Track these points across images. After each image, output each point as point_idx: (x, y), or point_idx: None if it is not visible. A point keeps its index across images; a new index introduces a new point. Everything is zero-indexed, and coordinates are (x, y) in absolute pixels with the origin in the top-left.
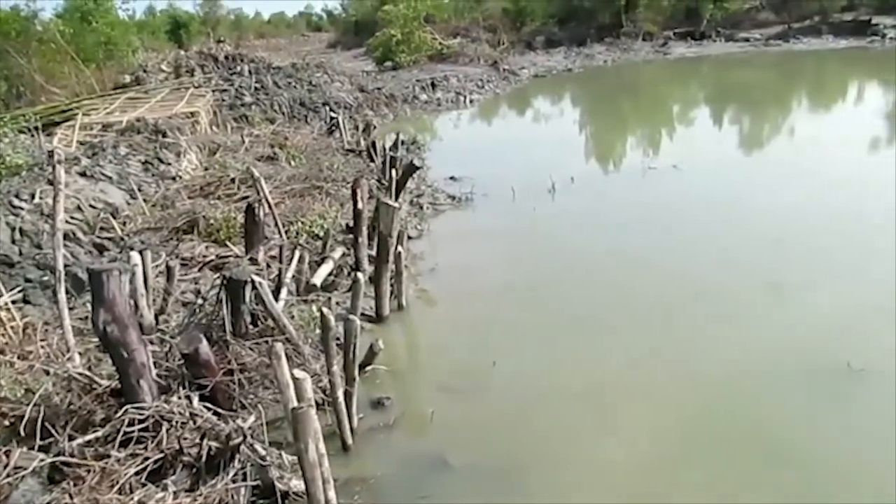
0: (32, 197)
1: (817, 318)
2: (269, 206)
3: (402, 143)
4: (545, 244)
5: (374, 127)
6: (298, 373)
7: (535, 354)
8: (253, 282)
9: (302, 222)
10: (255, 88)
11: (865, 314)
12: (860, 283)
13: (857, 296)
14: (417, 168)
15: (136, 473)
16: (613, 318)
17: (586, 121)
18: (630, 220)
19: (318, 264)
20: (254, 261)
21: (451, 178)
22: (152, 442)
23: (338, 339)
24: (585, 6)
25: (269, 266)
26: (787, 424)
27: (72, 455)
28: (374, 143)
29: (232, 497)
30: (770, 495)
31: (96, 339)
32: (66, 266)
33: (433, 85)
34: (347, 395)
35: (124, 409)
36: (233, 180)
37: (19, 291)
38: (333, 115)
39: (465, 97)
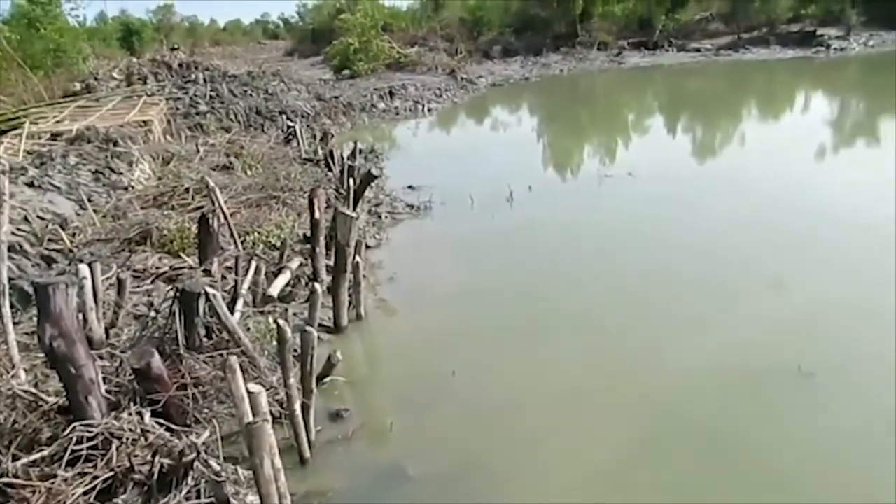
0: None
1: (769, 321)
2: (225, 217)
3: (360, 151)
4: (504, 252)
5: (332, 136)
6: (253, 386)
7: (495, 363)
8: (207, 294)
9: (258, 232)
10: (211, 97)
11: (816, 318)
12: (812, 286)
13: (808, 299)
14: (375, 177)
15: (85, 493)
16: (571, 325)
17: (544, 129)
18: (586, 227)
19: (275, 275)
20: (208, 272)
21: (410, 186)
22: (102, 460)
23: (295, 350)
24: (541, 16)
25: (224, 277)
26: (738, 426)
27: (16, 476)
28: (331, 152)
29: None
30: (722, 495)
31: (42, 355)
32: (11, 279)
33: (391, 94)
34: (305, 408)
35: (72, 426)
36: (187, 190)
37: None
38: (290, 123)
39: (423, 106)
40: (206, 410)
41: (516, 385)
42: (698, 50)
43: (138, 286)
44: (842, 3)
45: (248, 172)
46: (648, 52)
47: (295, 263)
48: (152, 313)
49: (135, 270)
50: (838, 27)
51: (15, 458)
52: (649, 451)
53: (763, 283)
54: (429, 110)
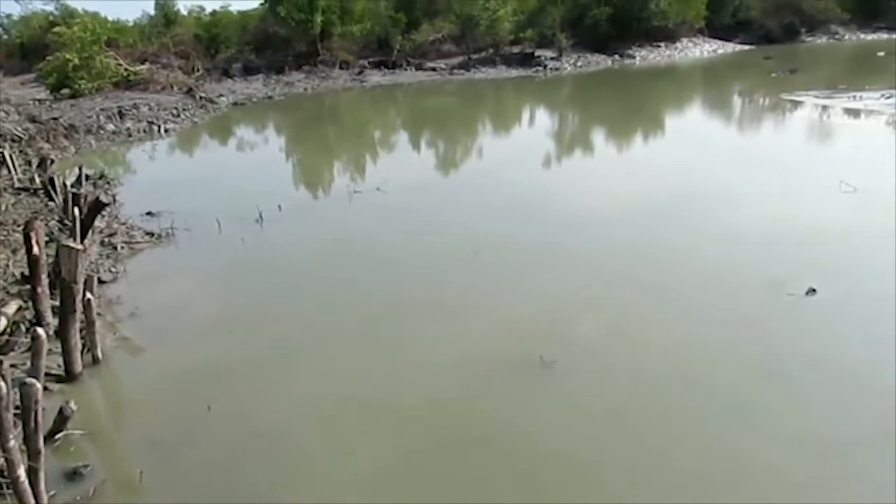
0: None
1: (510, 318)
2: None
3: (87, 178)
4: (255, 276)
5: (52, 161)
6: None
7: (253, 391)
8: None
9: None
10: None
11: (552, 313)
12: (549, 285)
13: (545, 296)
14: (105, 205)
15: None
16: (330, 342)
17: (292, 148)
18: (337, 244)
19: None
20: None
21: (149, 213)
22: None
23: (16, 407)
24: (281, 34)
25: None
26: (491, 416)
27: None
28: (52, 180)
29: None
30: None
31: None
32: None
33: (121, 114)
34: (32, 472)
35: None
36: None
37: None
38: None
39: (159, 127)
40: None
41: (278, 409)
42: (434, 69)
43: None
44: (553, 28)
45: None
46: (389, 71)
47: (12, 308)
48: None
49: None
50: (552, 49)
51: None
52: (432, 457)
53: (506, 284)
54: (166, 131)
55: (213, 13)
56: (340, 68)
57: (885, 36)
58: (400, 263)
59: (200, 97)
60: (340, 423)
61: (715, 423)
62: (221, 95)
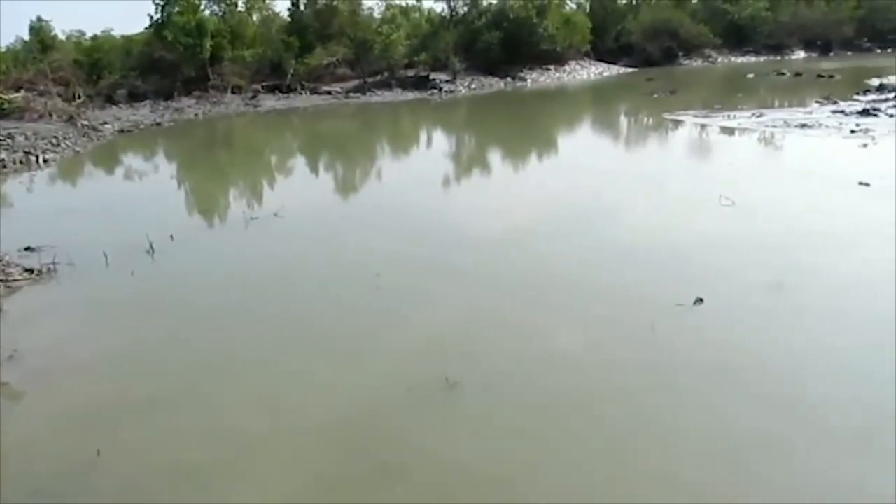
0: None
1: (414, 340)
2: None
3: None
4: (146, 310)
5: None
6: None
7: (146, 432)
8: None
9: None
10: None
11: (455, 334)
12: (451, 305)
13: (448, 317)
14: None
15: None
16: (230, 374)
17: (185, 175)
18: (234, 271)
19: None
20: None
21: (28, 248)
22: None
23: None
24: (168, 59)
25: None
26: (398, 439)
27: None
28: None
29: None
30: None
31: None
32: None
33: None
34: None
35: None
36: None
37: None
38: None
39: (37, 157)
40: None
41: (175, 448)
42: (330, 93)
43: None
44: (447, 52)
45: None
46: (283, 96)
47: None
48: None
49: None
50: (447, 73)
51: None
52: (325, 488)
53: (409, 305)
54: (45, 161)
55: (95, 38)
56: (233, 93)
57: (752, 59)
58: (300, 289)
59: (83, 125)
60: (244, 455)
61: (615, 431)
62: (106, 123)
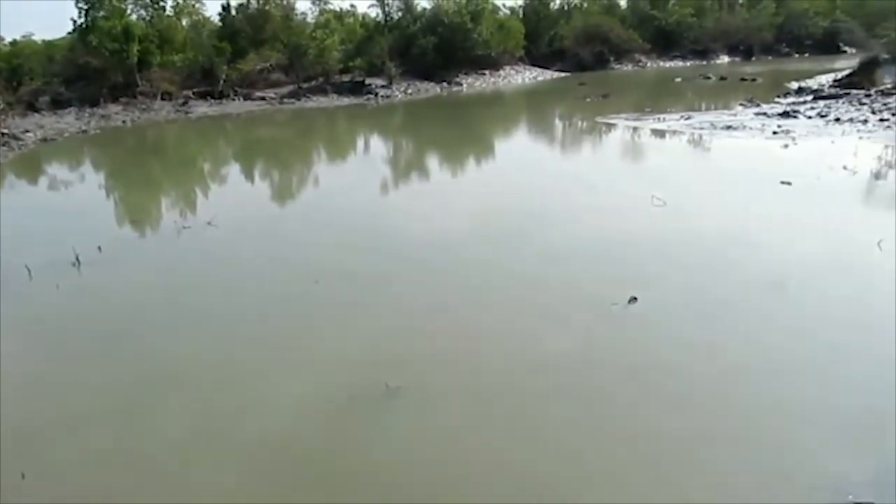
0: None
1: (354, 346)
2: None
3: None
4: (73, 324)
5: None
6: None
7: (77, 452)
8: None
9: None
10: None
11: (395, 339)
12: (390, 311)
13: (387, 323)
14: None
15: None
16: (162, 389)
17: (113, 184)
18: (166, 282)
19: None
20: None
21: None
22: None
23: None
24: (93, 65)
25: None
26: (340, 447)
27: None
28: None
29: None
30: None
31: None
32: None
33: None
34: None
35: None
36: None
37: None
38: None
39: None
40: None
41: (105, 467)
42: (264, 98)
43: None
44: (382, 57)
45: None
46: (215, 101)
47: None
48: None
49: None
50: (382, 78)
51: None
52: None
53: (348, 311)
54: None
55: (14, 43)
56: (162, 99)
57: (680, 63)
58: (234, 299)
59: (2, 133)
60: (181, 471)
61: (555, 431)
62: (27, 131)
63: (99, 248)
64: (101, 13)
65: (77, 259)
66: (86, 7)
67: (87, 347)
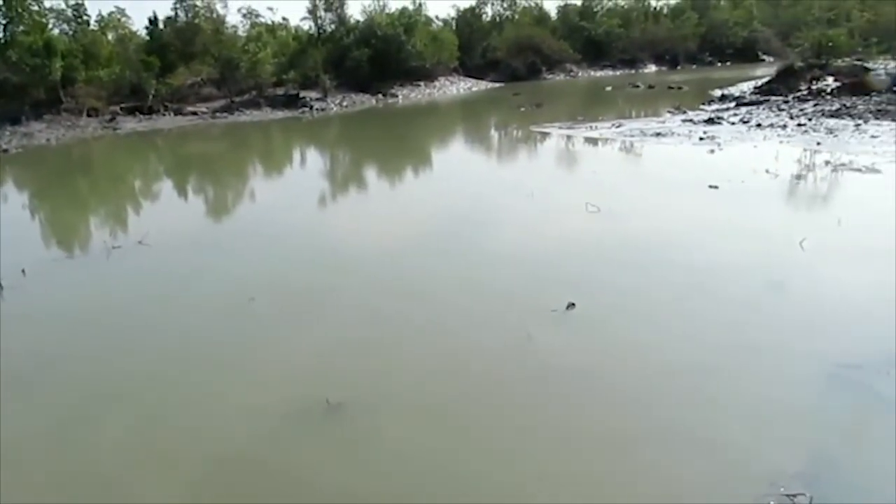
0: None
1: (293, 363)
2: None
3: None
4: None
5: None
6: None
7: (9, 476)
8: None
9: None
10: None
11: (333, 356)
12: (327, 327)
13: (324, 339)
14: None
15: None
16: (94, 413)
17: (38, 205)
18: (95, 304)
19: None
20: None
21: None
22: None
23: None
24: (13, 81)
25: None
26: (281, 464)
27: None
28: None
29: None
30: None
31: None
32: None
33: None
34: None
35: None
36: None
37: None
38: None
39: None
40: None
41: (41, 490)
42: (195, 113)
43: None
44: (316, 69)
45: None
46: (145, 117)
47: None
48: None
49: None
50: (317, 90)
51: None
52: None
53: (284, 329)
54: None
55: None
56: (89, 116)
57: (610, 73)
58: (168, 319)
59: None
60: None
61: (499, 440)
62: None
63: (23, 270)
64: (21, 28)
65: None
66: (4, 22)
67: (12, 376)
